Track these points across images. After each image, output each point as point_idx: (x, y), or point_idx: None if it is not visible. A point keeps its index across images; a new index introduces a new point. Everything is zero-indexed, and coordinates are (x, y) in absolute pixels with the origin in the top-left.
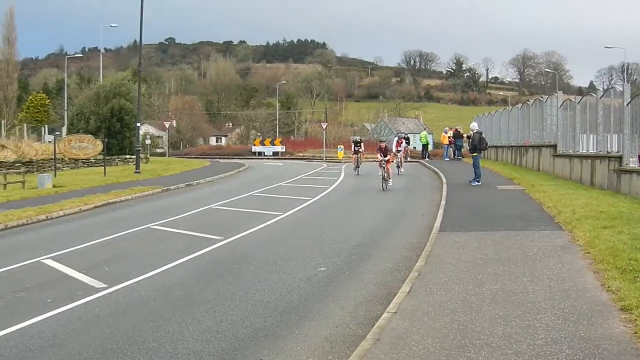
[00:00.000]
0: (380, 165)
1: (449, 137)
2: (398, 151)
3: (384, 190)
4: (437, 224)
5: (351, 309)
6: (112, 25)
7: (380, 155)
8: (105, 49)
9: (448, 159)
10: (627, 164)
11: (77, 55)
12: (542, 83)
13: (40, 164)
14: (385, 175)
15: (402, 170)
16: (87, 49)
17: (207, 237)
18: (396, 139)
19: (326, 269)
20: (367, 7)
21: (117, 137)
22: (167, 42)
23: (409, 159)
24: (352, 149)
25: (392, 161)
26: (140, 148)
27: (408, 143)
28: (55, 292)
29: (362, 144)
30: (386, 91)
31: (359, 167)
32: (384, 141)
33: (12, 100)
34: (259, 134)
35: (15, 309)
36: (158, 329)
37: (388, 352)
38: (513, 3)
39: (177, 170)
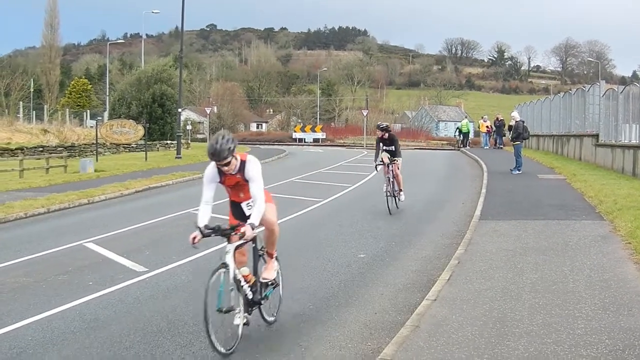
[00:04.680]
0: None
1: (486, 126)
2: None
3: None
4: (478, 212)
5: (390, 296)
6: (154, 11)
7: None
8: (147, 35)
9: (487, 147)
10: None
11: (119, 41)
12: (585, 72)
13: (82, 149)
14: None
15: (402, 197)
16: (128, 35)
17: None
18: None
19: (366, 256)
20: None
21: (159, 122)
22: (208, 29)
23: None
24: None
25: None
26: (181, 133)
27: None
28: (96, 275)
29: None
30: (427, 79)
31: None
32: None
33: (55, 85)
34: (299, 120)
35: (58, 291)
36: (199, 313)
37: (427, 339)
38: None
39: None
